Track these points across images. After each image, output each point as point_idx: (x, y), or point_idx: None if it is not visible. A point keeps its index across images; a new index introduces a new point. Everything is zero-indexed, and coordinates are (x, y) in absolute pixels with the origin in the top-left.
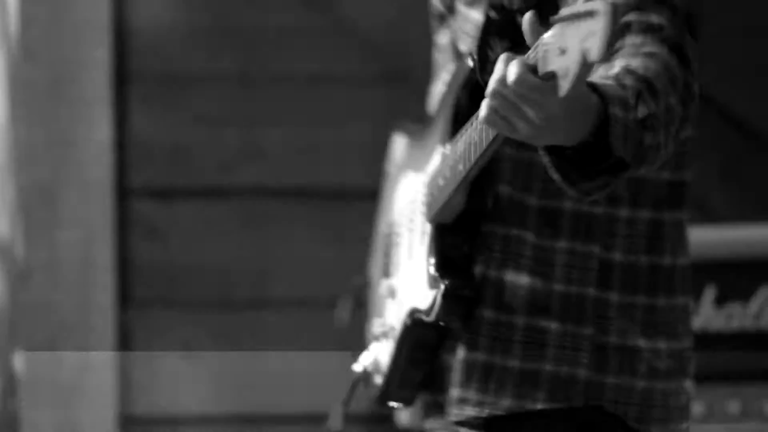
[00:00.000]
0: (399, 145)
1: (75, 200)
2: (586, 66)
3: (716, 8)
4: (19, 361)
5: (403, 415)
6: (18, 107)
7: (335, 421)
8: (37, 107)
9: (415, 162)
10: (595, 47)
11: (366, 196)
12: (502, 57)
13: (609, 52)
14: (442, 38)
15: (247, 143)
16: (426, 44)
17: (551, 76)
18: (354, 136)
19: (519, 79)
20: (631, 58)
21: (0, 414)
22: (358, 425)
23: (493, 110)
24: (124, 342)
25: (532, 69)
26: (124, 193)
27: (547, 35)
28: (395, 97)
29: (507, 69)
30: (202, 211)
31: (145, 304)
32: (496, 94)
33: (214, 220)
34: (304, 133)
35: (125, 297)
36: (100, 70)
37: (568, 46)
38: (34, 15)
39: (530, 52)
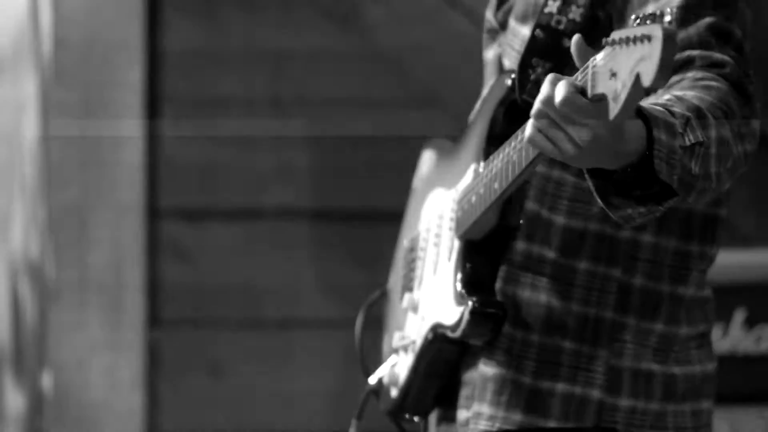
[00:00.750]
0: (427, 160)
1: (105, 221)
2: (638, 89)
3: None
4: (47, 380)
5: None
6: (50, 128)
7: None
8: (68, 128)
9: (443, 178)
10: (649, 71)
11: (396, 219)
12: (549, 77)
13: (664, 79)
14: (490, 53)
15: (276, 165)
16: (458, 67)
17: (600, 99)
18: (385, 158)
19: (566, 100)
20: (686, 90)
21: None
22: None
23: (537, 130)
24: (153, 362)
25: (580, 90)
26: (154, 214)
27: (599, 57)
28: (427, 120)
29: (554, 89)
30: (232, 233)
31: (174, 325)
32: (541, 114)
33: (244, 241)
34: (333, 156)
35: (154, 317)
36: (132, 92)
37: (619, 69)
38: (67, 37)
39: (578, 73)
